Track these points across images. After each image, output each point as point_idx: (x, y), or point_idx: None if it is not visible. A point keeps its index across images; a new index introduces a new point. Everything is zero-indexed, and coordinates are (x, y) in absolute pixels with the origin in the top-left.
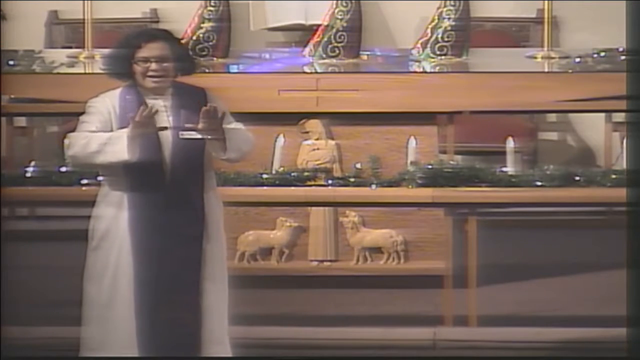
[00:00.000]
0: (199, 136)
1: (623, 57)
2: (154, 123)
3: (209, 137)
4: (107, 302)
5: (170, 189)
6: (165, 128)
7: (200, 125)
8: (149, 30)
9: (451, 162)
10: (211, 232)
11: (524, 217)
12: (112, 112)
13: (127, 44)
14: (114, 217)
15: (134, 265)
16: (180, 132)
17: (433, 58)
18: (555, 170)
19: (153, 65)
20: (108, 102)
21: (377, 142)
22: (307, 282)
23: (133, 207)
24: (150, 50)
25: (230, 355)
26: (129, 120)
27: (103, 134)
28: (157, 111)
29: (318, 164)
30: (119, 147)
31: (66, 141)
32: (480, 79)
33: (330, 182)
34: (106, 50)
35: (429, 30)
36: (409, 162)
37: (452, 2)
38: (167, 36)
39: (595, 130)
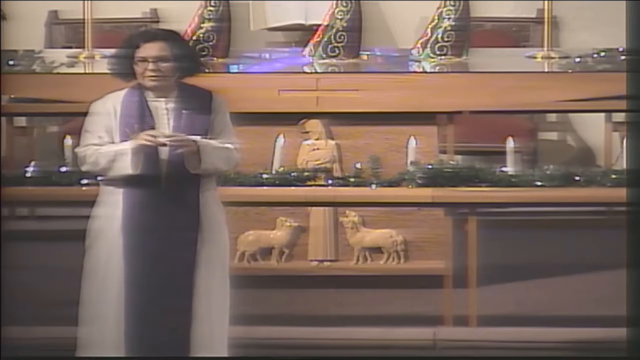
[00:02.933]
0: (199, 138)
1: (623, 57)
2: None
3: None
4: (97, 301)
5: (165, 191)
6: (165, 145)
7: (175, 141)
8: (149, 30)
9: (451, 162)
10: (208, 235)
11: (524, 217)
12: (112, 114)
13: (128, 44)
14: (107, 217)
15: (125, 265)
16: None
17: (433, 58)
18: (555, 170)
19: (150, 65)
20: (110, 105)
21: (377, 142)
22: (307, 282)
23: (127, 207)
24: (148, 50)
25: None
26: (130, 134)
27: (108, 150)
28: (157, 140)
29: (318, 164)
30: (123, 164)
31: (66, 141)
32: (480, 79)
33: (330, 182)
34: (109, 50)
35: (429, 30)
36: (409, 162)
37: (452, 2)
38: (168, 36)
39: (595, 130)
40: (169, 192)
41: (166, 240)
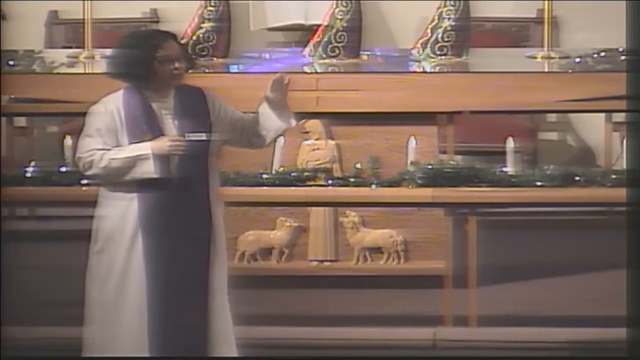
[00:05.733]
0: (204, 138)
1: (623, 57)
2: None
3: (279, 107)
4: (113, 304)
5: (179, 191)
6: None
7: (272, 96)
8: (159, 31)
9: (451, 162)
10: (217, 233)
11: (524, 217)
12: (116, 116)
13: (145, 44)
14: (119, 220)
15: (147, 267)
16: (186, 134)
17: (433, 58)
18: (555, 170)
19: (176, 64)
20: (112, 107)
21: (377, 142)
22: (307, 282)
23: (144, 209)
24: (169, 49)
25: (236, 355)
26: (140, 137)
27: (122, 154)
28: (186, 140)
29: (318, 164)
30: (145, 168)
31: (66, 141)
32: (480, 79)
33: (330, 182)
34: (110, 51)
35: (429, 30)
36: (409, 162)
37: (452, 2)
38: (174, 35)
39: (595, 130)
40: (183, 192)
41: (186, 240)
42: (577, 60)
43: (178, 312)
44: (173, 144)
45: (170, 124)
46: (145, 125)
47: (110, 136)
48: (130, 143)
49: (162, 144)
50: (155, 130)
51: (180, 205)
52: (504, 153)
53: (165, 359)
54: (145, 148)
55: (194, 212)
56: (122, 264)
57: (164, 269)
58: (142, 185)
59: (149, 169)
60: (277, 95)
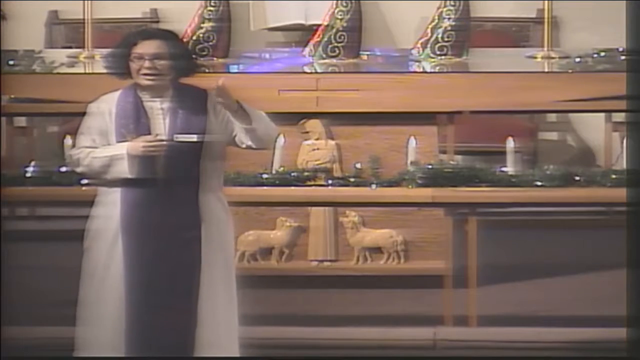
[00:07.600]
0: (194, 139)
1: (623, 57)
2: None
3: (232, 111)
4: (96, 302)
5: (163, 190)
6: (161, 147)
7: (220, 100)
8: (147, 29)
9: (451, 162)
10: (210, 235)
11: (524, 217)
12: (107, 116)
13: (126, 42)
14: (105, 217)
15: (125, 265)
16: (175, 136)
17: (433, 58)
18: (555, 170)
19: (146, 63)
20: (104, 106)
21: (377, 142)
22: (307, 282)
23: (125, 207)
24: (145, 47)
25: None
26: (127, 136)
27: (103, 154)
28: (162, 141)
29: (318, 164)
30: (120, 168)
31: (66, 141)
32: (480, 79)
33: (330, 182)
34: (107, 49)
35: (429, 30)
36: (409, 162)
37: (452, 2)
38: (166, 35)
39: (595, 130)
40: (167, 191)
41: (166, 240)
42: (577, 60)
43: (155, 314)
44: (147, 144)
45: (162, 125)
46: (133, 125)
47: (100, 135)
48: (118, 142)
49: (136, 145)
50: (142, 131)
51: (162, 205)
52: (504, 153)
53: (166, 359)
54: (122, 148)
55: (178, 212)
56: (104, 262)
57: (142, 269)
58: (125, 184)
59: (123, 169)
60: (227, 101)
